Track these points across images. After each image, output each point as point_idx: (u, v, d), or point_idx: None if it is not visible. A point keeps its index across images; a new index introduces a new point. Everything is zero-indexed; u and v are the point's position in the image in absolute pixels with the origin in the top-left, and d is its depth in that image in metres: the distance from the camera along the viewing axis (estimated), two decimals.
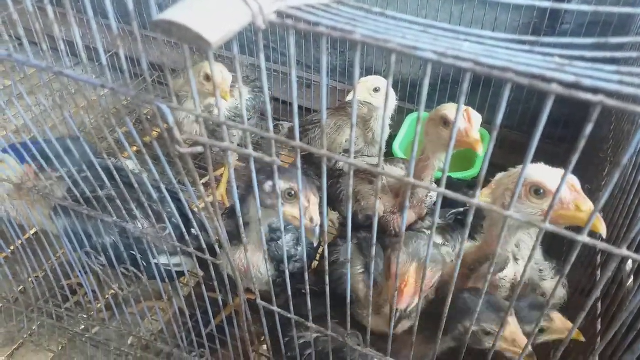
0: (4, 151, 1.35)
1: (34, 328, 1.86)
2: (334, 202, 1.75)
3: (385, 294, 1.21)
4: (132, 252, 1.32)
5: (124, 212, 1.11)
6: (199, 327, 1.34)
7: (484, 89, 2.29)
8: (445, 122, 1.35)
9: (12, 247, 1.72)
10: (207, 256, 1.08)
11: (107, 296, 1.55)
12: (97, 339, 1.77)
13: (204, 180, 2.37)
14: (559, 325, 1.17)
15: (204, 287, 1.22)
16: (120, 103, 2.72)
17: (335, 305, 1.05)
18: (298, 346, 1.22)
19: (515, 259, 1.37)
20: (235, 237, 1.38)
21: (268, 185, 1.16)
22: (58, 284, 1.65)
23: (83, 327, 1.80)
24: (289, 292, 1.06)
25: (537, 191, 1.03)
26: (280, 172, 0.95)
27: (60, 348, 1.82)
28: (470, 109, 1.33)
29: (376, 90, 1.94)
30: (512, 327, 1.06)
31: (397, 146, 2.30)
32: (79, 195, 1.17)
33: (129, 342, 1.77)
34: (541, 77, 0.48)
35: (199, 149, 0.80)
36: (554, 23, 2.16)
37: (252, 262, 1.38)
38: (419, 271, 1.06)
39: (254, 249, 1.37)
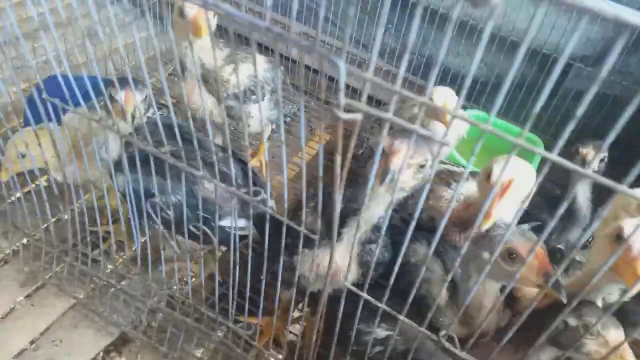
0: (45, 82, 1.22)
1: (58, 270, 1.76)
2: None
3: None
4: (197, 212, 1.23)
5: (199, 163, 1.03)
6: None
7: None
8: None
9: (45, 177, 1.63)
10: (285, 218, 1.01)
11: (134, 249, 1.46)
12: (131, 293, 1.67)
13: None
14: None
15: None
16: (160, 49, 2.59)
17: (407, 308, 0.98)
18: (370, 342, 1.16)
19: None
20: (323, 236, 1.22)
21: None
22: (91, 223, 1.54)
23: (111, 278, 1.70)
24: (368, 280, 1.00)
25: None
26: None
27: (84, 296, 1.73)
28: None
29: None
30: (616, 334, 0.97)
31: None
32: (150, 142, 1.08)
33: (155, 299, 1.68)
34: None
35: (358, 116, 0.73)
36: None
37: (340, 266, 1.26)
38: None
39: (343, 250, 1.24)
